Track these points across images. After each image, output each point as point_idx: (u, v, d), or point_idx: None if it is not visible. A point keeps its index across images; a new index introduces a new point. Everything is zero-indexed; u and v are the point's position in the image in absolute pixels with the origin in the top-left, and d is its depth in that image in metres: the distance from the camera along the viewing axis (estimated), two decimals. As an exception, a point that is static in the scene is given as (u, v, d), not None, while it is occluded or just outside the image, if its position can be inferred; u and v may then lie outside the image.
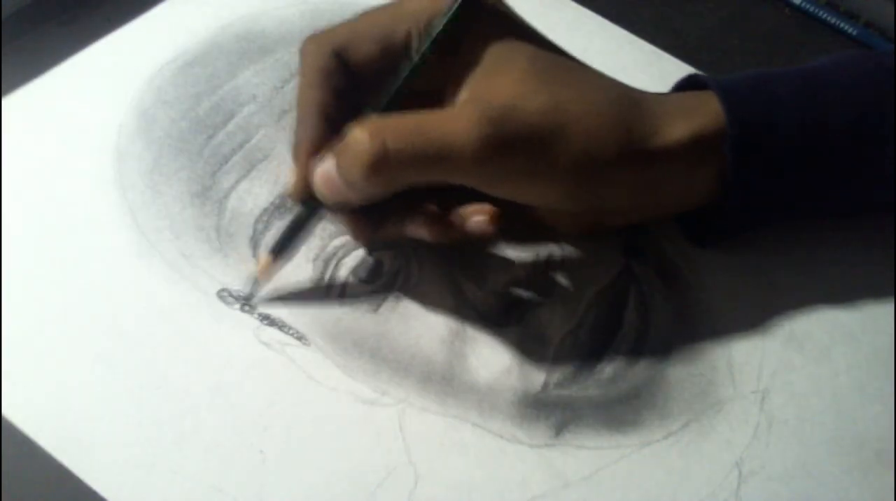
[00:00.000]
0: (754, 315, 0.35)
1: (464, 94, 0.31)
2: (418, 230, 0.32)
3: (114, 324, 0.32)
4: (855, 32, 0.46)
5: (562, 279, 0.35)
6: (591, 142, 0.30)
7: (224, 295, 0.33)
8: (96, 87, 0.38)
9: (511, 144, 0.29)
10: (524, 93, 0.30)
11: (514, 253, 0.35)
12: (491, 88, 0.30)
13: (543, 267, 0.35)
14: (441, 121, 0.29)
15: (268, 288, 0.33)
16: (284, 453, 0.30)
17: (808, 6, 0.47)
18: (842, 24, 0.47)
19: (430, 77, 0.31)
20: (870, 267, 0.37)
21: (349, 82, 0.32)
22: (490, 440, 0.31)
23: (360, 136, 0.28)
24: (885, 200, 0.35)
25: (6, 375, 0.30)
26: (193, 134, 0.37)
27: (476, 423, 0.31)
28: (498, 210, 0.31)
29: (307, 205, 0.32)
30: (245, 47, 0.40)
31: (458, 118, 0.29)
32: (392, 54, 0.31)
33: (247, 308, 0.33)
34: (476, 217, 0.31)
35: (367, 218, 0.32)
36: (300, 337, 0.32)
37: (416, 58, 0.31)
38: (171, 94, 0.38)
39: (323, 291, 0.33)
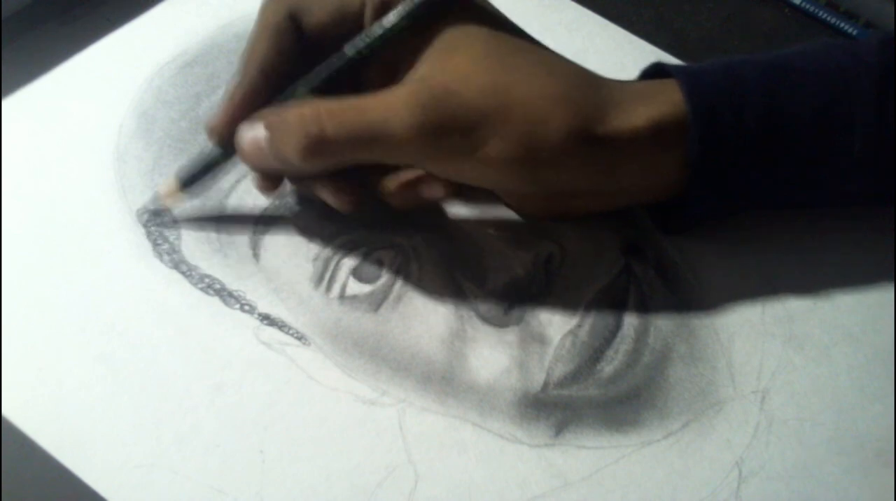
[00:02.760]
0: (754, 315, 0.35)
1: (414, 73, 0.31)
2: (324, 195, 0.33)
3: (114, 324, 0.32)
4: (855, 32, 0.46)
5: (562, 279, 0.35)
6: (533, 126, 0.30)
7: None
8: (96, 88, 0.38)
9: (445, 129, 0.29)
10: (471, 71, 0.30)
11: (514, 252, 0.35)
12: (440, 68, 0.31)
13: (543, 267, 0.35)
14: (378, 106, 0.29)
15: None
16: (284, 453, 0.30)
17: (808, 6, 0.47)
18: (842, 24, 0.47)
19: (389, 50, 0.32)
20: (870, 267, 0.37)
21: (298, 45, 0.32)
22: (490, 440, 0.31)
23: (299, 118, 0.29)
24: (853, 191, 0.35)
25: (6, 375, 0.30)
26: (193, 134, 0.37)
27: (476, 423, 0.31)
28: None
29: (223, 150, 0.33)
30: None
31: (395, 102, 0.29)
32: (345, 24, 0.32)
33: (247, 307, 0.33)
34: (433, 185, 0.32)
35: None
36: (300, 337, 0.32)
37: (359, 45, 0.31)
38: (171, 95, 0.38)
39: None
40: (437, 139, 0.29)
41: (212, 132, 0.32)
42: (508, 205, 0.36)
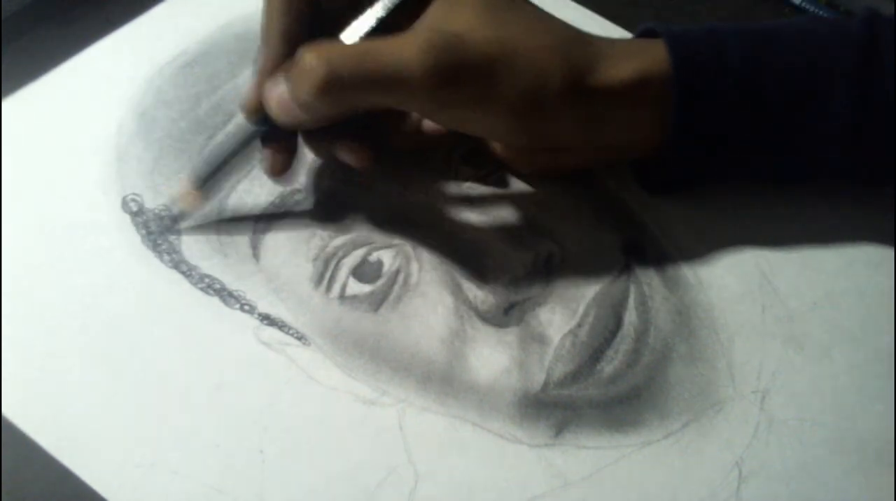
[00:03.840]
0: (754, 315, 0.35)
1: (421, 22, 0.32)
2: (344, 155, 0.34)
3: (114, 324, 0.32)
4: (855, 32, 0.46)
5: (562, 279, 0.35)
6: (535, 77, 0.31)
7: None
8: (96, 88, 0.38)
9: (456, 73, 0.30)
10: (475, 24, 0.31)
11: (514, 253, 0.35)
12: (446, 18, 0.32)
13: (543, 267, 0.35)
14: (392, 48, 0.30)
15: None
16: (284, 453, 0.30)
17: (808, 6, 0.47)
18: (842, 24, 0.47)
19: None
20: (870, 267, 0.37)
21: (313, 10, 0.33)
22: (490, 440, 0.31)
23: (312, 58, 0.30)
24: (834, 163, 0.35)
25: (6, 375, 0.30)
26: (193, 134, 0.37)
27: (476, 423, 0.31)
28: None
29: (257, 125, 0.33)
30: (245, 47, 0.40)
31: (408, 45, 0.30)
32: None
33: (247, 307, 0.33)
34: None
35: (287, 152, 0.34)
36: (300, 337, 0.32)
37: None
38: (171, 95, 0.38)
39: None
40: (448, 83, 0.30)
41: (245, 108, 0.33)
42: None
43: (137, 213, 0.35)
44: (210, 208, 0.35)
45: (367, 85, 0.30)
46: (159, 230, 0.34)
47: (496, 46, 0.31)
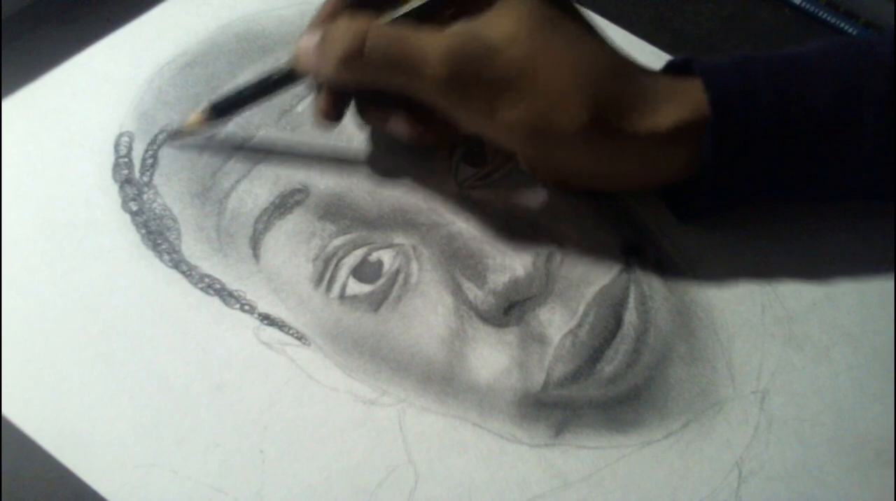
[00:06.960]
0: (754, 315, 0.35)
1: (468, 23, 0.32)
2: (399, 125, 0.34)
3: (114, 324, 0.32)
4: (855, 32, 0.46)
5: (562, 279, 0.35)
6: (552, 105, 0.31)
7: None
8: (96, 88, 0.38)
9: (473, 83, 0.31)
10: (512, 37, 0.31)
11: (514, 252, 0.35)
12: (491, 23, 0.31)
13: (543, 267, 0.35)
14: (422, 43, 0.30)
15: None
16: (284, 453, 0.30)
17: (808, 6, 0.47)
18: (842, 24, 0.47)
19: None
20: (870, 267, 0.37)
21: None
22: (490, 440, 0.31)
23: (346, 29, 0.30)
24: (863, 187, 0.35)
25: (6, 375, 0.30)
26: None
27: (476, 423, 0.31)
28: None
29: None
30: (245, 47, 0.40)
31: (438, 43, 0.30)
32: None
33: (247, 307, 0.33)
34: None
35: (340, 97, 0.35)
36: (300, 337, 0.32)
37: None
38: (171, 95, 0.38)
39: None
40: (463, 91, 0.31)
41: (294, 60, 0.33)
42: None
43: (137, 213, 0.35)
44: (209, 210, 0.35)
45: (386, 69, 0.30)
46: (158, 231, 0.34)
47: (522, 66, 0.30)
